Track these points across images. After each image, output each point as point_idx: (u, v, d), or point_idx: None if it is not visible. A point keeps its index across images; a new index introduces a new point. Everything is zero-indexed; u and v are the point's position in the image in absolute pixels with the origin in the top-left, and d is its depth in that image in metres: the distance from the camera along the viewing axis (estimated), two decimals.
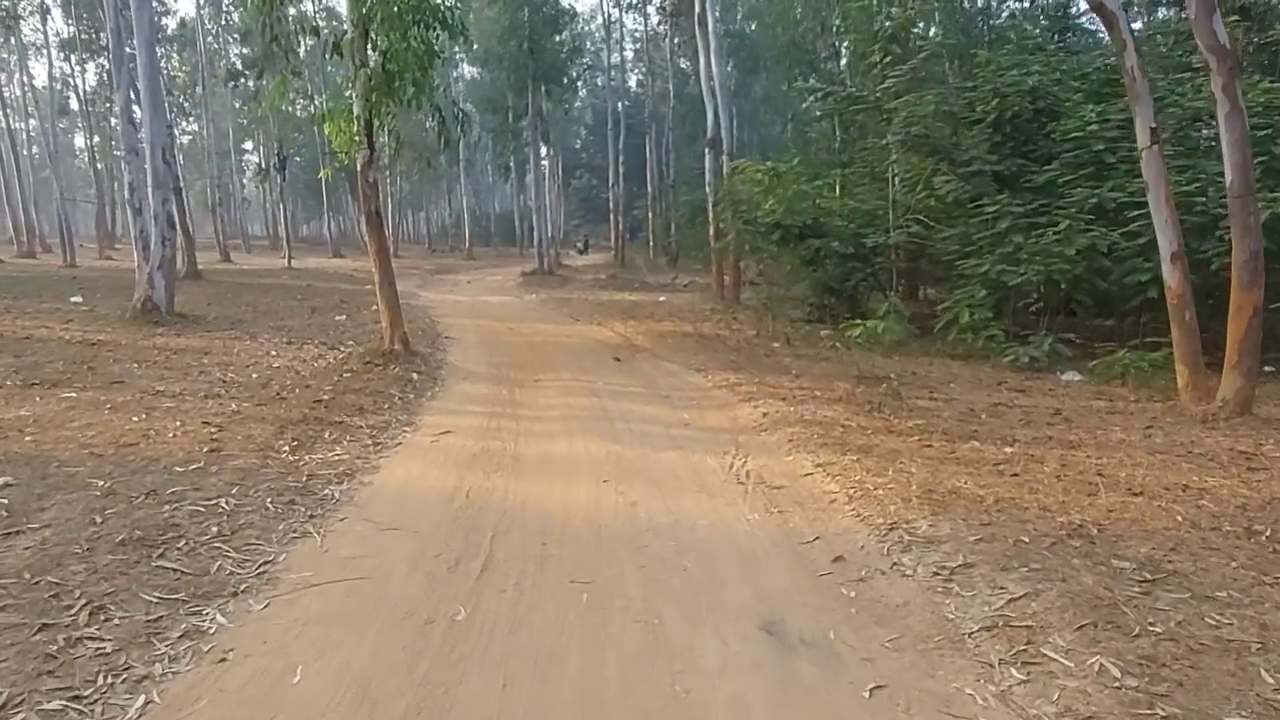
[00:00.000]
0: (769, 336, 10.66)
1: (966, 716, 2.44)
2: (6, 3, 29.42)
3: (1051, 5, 16.65)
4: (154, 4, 18.27)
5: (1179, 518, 3.87)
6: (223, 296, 14.56)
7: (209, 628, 2.86)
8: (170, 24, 35.34)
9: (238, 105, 38.39)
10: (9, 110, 32.49)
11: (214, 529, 3.66)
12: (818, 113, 17.06)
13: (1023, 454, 5.00)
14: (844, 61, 19.01)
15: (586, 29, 38.11)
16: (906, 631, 2.94)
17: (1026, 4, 18.26)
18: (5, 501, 3.80)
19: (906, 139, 11.00)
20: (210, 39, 35.87)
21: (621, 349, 10.12)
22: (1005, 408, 6.47)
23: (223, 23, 37.89)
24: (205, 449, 4.84)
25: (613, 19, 33.34)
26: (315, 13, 28.47)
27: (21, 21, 31.57)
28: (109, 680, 2.50)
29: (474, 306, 16.14)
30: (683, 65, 30.44)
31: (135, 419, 5.48)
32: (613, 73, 34.09)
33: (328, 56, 10.76)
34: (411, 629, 2.91)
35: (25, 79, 36.15)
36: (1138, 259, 7.92)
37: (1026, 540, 3.59)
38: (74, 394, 6.18)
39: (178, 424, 5.39)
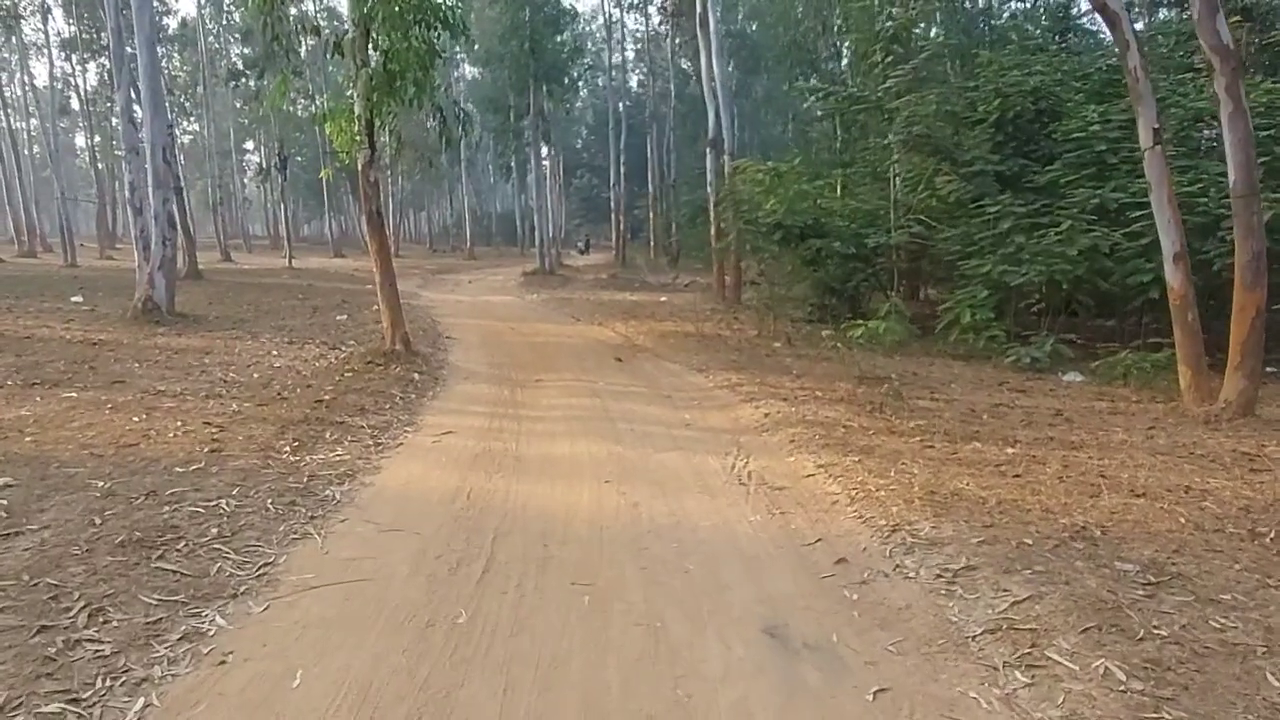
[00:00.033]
0: (770, 337, 10.65)
1: None
2: (8, 2, 29.40)
3: (1053, 5, 16.62)
4: (155, 3, 18.25)
5: (1182, 520, 3.85)
6: (224, 296, 14.55)
7: (208, 630, 2.85)
8: (171, 23, 35.42)
9: (239, 105, 38.39)
10: (10, 110, 32.54)
11: (214, 530, 3.65)
12: (819, 113, 17.05)
13: (1025, 455, 4.99)
14: (845, 61, 19.01)
15: (588, 29, 38.24)
16: (910, 634, 2.92)
17: (1028, 4, 18.26)
18: (5, 502, 3.79)
19: (908, 139, 10.99)
20: (211, 38, 35.90)
21: (623, 349, 10.11)
22: (1007, 408, 6.46)
23: (224, 22, 37.94)
24: (206, 449, 4.83)
25: (614, 19, 33.40)
26: (316, 12, 28.44)
27: (22, 21, 31.56)
28: (108, 683, 2.49)
29: (475, 306, 16.13)
30: (684, 65, 30.44)
31: (136, 419, 5.47)
32: (614, 73, 34.09)
33: (329, 56, 10.72)
34: (412, 632, 2.90)
35: (26, 78, 36.17)
36: (1139, 259, 7.91)
37: (1029, 542, 3.58)
38: (74, 394, 6.17)
39: (178, 424, 5.38)
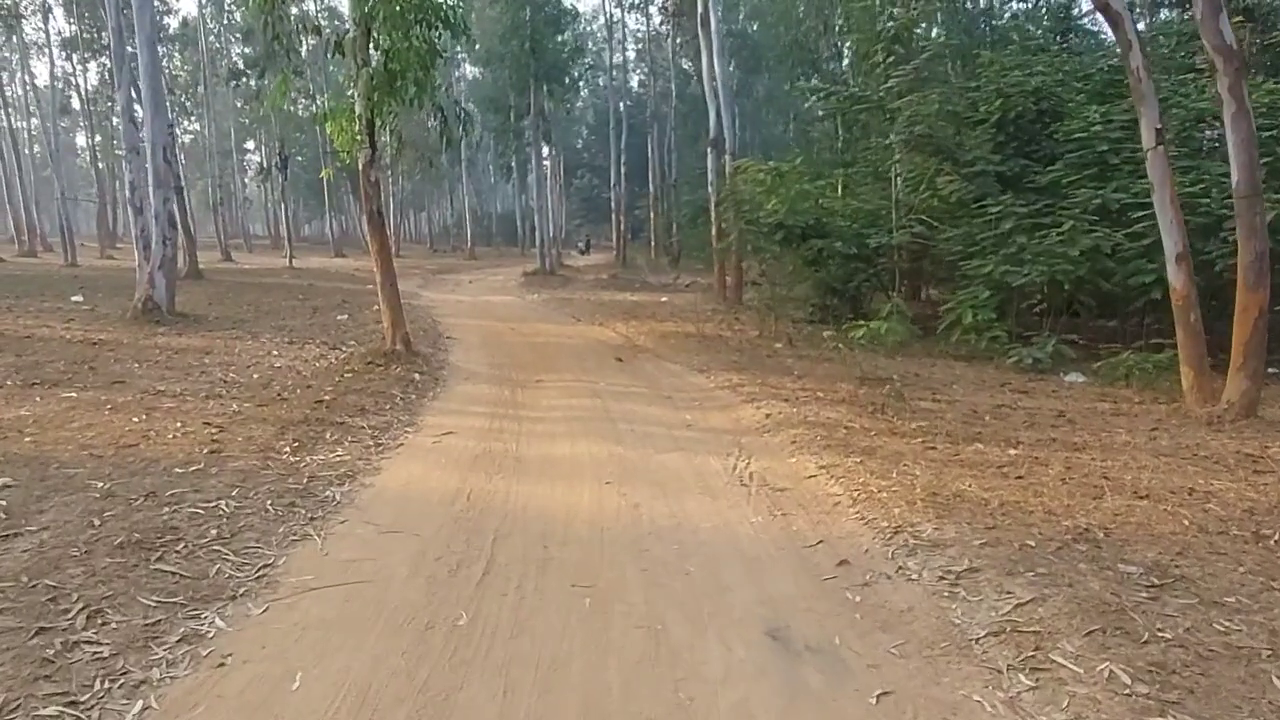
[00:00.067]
0: (771, 337, 10.63)
1: None
2: (8, 2, 29.40)
3: (1054, 6, 16.60)
4: (155, 3, 18.27)
5: (1185, 521, 3.83)
6: (224, 296, 14.54)
7: (207, 632, 2.83)
8: (172, 23, 35.42)
9: (239, 104, 38.39)
10: (11, 109, 32.55)
11: (213, 531, 3.63)
12: (820, 113, 17.01)
13: (1027, 456, 4.97)
14: (846, 61, 18.99)
15: (588, 29, 38.20)
16: (912, 637, 2.91)
17: (1029, 5, 18.24)
18: (4, 503, 3.78)
19: (909, 139, 10.96)
20: (212, 38, 35.91)
21: (624, 349, 10.10)
22: (1009, 409, 6.44)
23: (224, 22, 37.93)
24: (205, 450, 4.81)
25: (614, 19, 33.40)
26: (317, 12, 28.46)
27: (23, 20, 31.55)
28: (106, 685, 2.47)
29: (476, 306, 16.12)
30: (685, 65, 30.41)
31: (136, 419, 5.46)
32: (614, 72, 34.08)
33: (329, 56, 10.71)
34: (412, 634, 2.88)
35: (27, 78, 36.20)
36: (1141, 260, 7.89)
37: (1032, 544, 3.56)
38: (74, 394, 6.16)
39: (178, 424, 5.37)
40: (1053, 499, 4.16)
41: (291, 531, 3.77)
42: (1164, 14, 15.52)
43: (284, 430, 5.35)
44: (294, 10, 9.85)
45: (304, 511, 4.02)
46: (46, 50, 33.32)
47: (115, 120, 25.03)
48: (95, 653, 2.63)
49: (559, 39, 23.91)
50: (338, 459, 4.93)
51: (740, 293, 15.39)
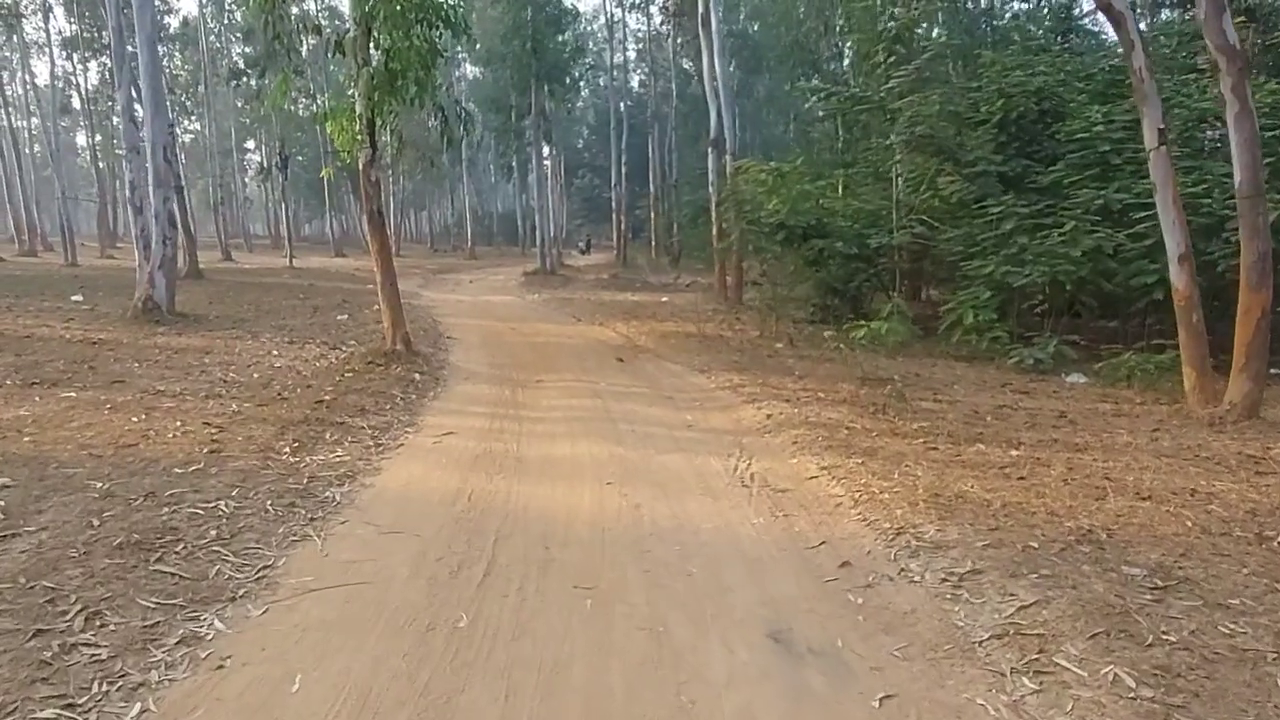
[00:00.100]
0: (772, 337, 10.62)
1: None
2: (9, 1, 29.38)
3: (1055, 6, 16.58)
4: (156, 2, 18.26)
5: (1188, 523, 3.82)
6: (224, 296, 14.53)
7: (206, 634, 2.82)
8: (172, 22, 35.46)
9: (240, 104, 38.37)
10: (11, 109, 32.54)
11: (213, 532, 3.62)
12: (821, 113, 16.98)
13: (1029, 457, 4.96)
14: (847, 62, 18.98)
15: (589, 29, 38.20)
16: (915, 639, 2.89)
17: (1030, 5, 18.21)
18: (2, 504, 3.76)
19: (910, 139, 10.95)
20: (212, 37, 35.89)
21: (624, 349, 10.08)
22: (1010, 410, 6.43)
23: (225, 21, 37.92)
24: (205, 450, 4.80)
25: (615, 19, 33.37)
26: (317, 11, 28.47)
27: (24, 20, 31.53)
28: (104, 688, 2.46)
29: (476, 306, 16.10)
30: (685, 65, 30.40)
31: (135, 419, 5.44)
32: (615, 72, 34.05)
33: (330, 55, 10.71)
34: (413, 635, 2.87)
35: (27, 77, 36.18)
36: (1143, 260, 7.88)
37: (1035, 546, 3.55)
38: (74, 394, 6.15)
39: (178, 424, 5.36)
40: (1055, 500, 4.14)
41: (291, 532, 3.75)
42: (1165, 14, 15.51)
43: (284, 430, 5.34)
44: (294, 10, 9.83)
45: (304, 512, 4.01)
46: (47, 49, 33.29)
47: (115, 120, 25.04)
48: (93, 655, 2.61)
49: (560, 39, 23.90)
50: (338, 459, 4.92)
51: (741, 293, 15.38)
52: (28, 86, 36.10)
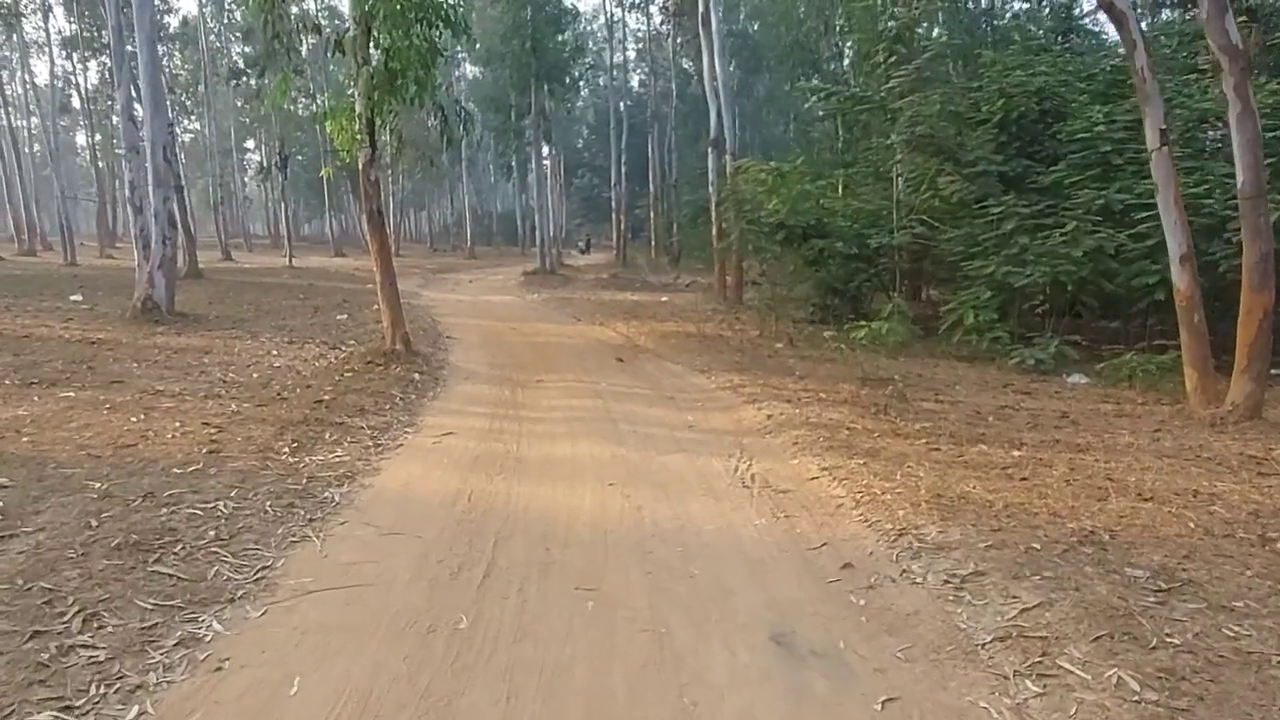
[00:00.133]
0: (772, 337, 10.61)
1: None
2: (8, 1, 29.35)
3: (1056, 6, 16.57)
4: (155, 2, 18.23)
5: (1191, 524, 3.80)
6: (224, 295, 14.51)
7: (205, 636, 2.80)
8: (172, 22, 35.37)
9: (239, 103, 38.34)
10: (11, 108, 32.48)
11: (211, 533, 3.60)
12: (821, 113, 16.97)
13: (1031, 458, 4.94)
14: (847, 61, 18.97)
15: (589, 28, 38.17)
16: (918, 641, 2.88)
17: (1031, 4, 18.20)
18: (0, 504, 3.75)
19: (911, 139, 10.93)
20: (212, 37, 35.85)
21: (624, 349, 10.07)
22: (1012, 410, 6.42)
23: (225, 21, 37.88)
24: (204, 450, 4.78)
25: (615, 18, 33.35)
26: (317, 10, 28.46)
27: (23, 19, 31.50)
28: (101, 690, 2.44)
29: (476, 306, 16.08)
30: (685, 65, 30.39)
31: (134, 419, 5.42)
32: (615, 72, 34.03)
33: (330, 54, 10.70)
34: (413, 638, 2.85)
35: (27, 77, 36.10)
36: (1145, 261, 7.87)
37: (1038, 547, 3.53)
38: (73, 393, 6.13)
39: (177, 424, 5.34)
40: (1057, 501, 4.13)
41: (290, 533, 3.74)
42: (1166, 14, 15.49)
43: (283, 430, 5.32)
44: (294, 9, 9.82)
45: (303, 513, 3.99)
46: (46, 49, 33.28)
47: (115, 119, 24.98)
48: (91, 657, 2.59)
49: (560, 38, 23.89)
50: (337, 459, 4.90)
51: (741, 293, 15.37)
52: (27, 86, 36.03)
